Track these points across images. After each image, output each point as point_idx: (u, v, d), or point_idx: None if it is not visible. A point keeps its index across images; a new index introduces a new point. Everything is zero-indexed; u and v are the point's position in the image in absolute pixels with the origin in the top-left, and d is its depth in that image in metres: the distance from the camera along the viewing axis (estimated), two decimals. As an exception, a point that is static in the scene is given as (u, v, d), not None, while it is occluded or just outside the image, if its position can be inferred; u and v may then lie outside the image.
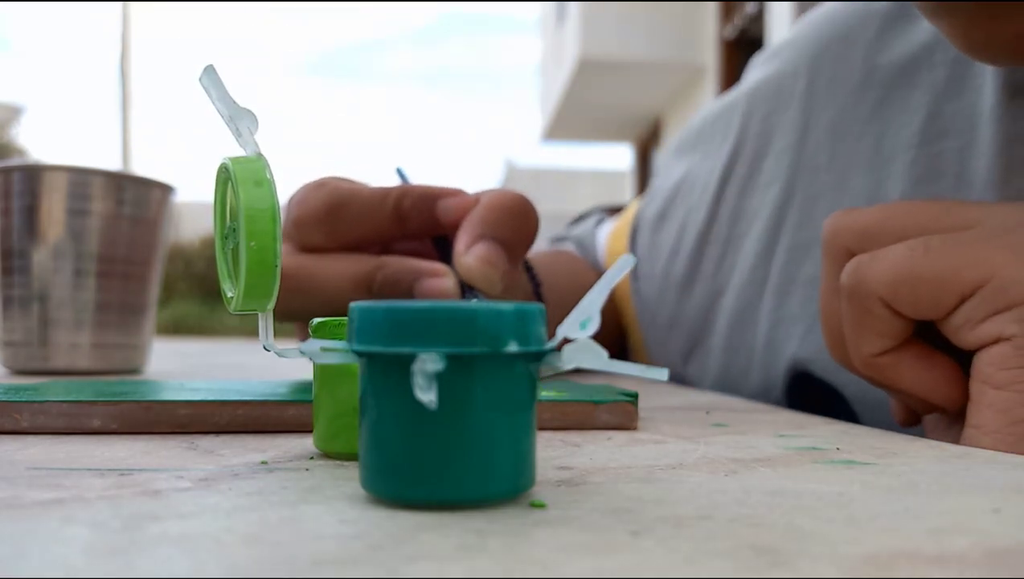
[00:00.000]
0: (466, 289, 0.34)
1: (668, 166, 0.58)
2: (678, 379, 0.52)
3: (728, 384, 0.47)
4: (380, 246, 0.37)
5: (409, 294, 0.34)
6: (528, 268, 0.42)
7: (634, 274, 0.55)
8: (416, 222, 0.35)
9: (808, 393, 0.40)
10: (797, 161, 0.44)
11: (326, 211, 0.34)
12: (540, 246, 0.66)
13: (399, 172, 0.39)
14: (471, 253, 0.33)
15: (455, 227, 0.35)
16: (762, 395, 0.43)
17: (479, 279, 0.33)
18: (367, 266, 0.34)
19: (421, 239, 0.37)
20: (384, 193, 0.35)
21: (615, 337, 0.58)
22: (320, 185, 0.35)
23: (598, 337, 0.54)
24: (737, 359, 0.46)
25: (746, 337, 0.45)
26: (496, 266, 0.33)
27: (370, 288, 0.34)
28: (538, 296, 0.42)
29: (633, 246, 0.56)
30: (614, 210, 0.84)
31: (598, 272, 0.57)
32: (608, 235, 0.60)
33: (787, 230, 0.44)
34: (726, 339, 0.47)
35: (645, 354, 0.56)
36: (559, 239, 0.65)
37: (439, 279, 0.34)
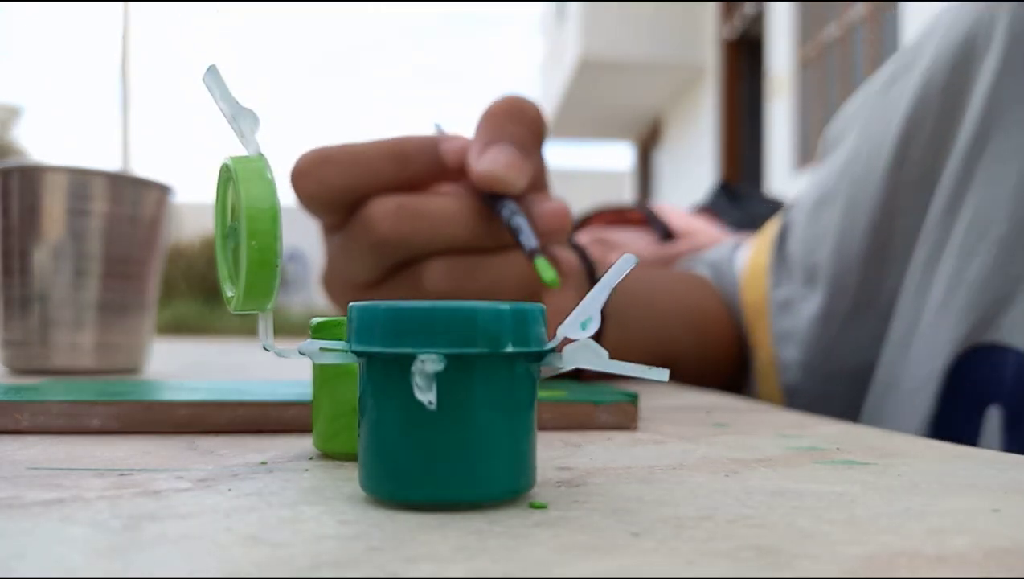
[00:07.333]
0: (489, 198, 0.33)
1: (816, 169, 0.52)
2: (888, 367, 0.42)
3: None
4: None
5: (437, 156, 0.34)
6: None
7: (781, 276, 0.49)
8: (419, 163, 0.34)
9: (978, 375, 0.35)
10: (988, 112, 0.37)
11: (316, 159, 0.34)
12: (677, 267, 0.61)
13: (436, 127, 0.38)
14: (481, 161, 0.32)
15: (460, 169, 0.34)
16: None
17: (498, 181, 0.32)
18: (392, 140, 0.34)
19: (427, 186, 0.36)
20: (380, 139, 0.35)
21: (734, 356, 0.52)
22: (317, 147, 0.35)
23: (715, 357, 0.50)
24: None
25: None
26: (511, 165, 0.32)
27: (404, 158, 0.34)
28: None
29: (782, 245, 0.50)
30: (614, 210, 0.83)
31: (718, 296, 0.52)
32: (748, 254, 0.54)
33: (973, 191, 0.37)
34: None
35: (774, 368, 0.49)
36: (692, 262, 0.60)
37: (456, 139, 0.34)
